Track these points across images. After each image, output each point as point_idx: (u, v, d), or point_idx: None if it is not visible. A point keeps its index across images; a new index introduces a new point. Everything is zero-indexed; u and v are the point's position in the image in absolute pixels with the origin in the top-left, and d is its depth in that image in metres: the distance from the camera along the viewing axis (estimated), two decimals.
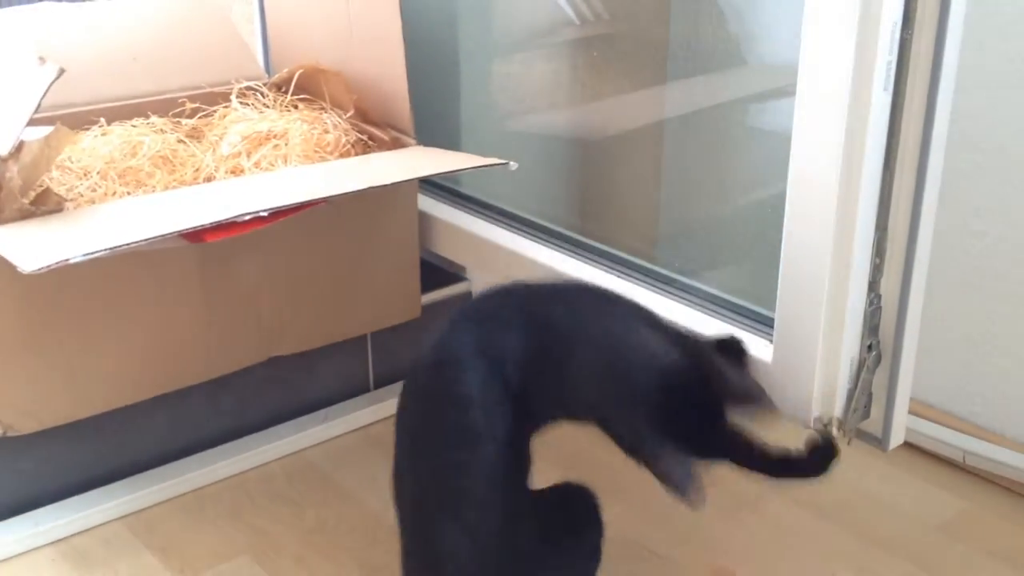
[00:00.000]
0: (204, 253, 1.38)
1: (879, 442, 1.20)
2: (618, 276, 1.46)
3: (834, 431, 1.19)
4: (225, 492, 1.51)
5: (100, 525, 1.44)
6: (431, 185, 1.70)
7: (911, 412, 1.63)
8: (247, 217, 1.19)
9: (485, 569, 1.10)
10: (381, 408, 1.66)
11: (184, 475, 1.51)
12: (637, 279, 1.45)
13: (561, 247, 1.55)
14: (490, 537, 1.10)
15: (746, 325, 1.31)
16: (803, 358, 1.19)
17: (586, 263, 1.50)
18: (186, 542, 1.41)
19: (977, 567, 1.40)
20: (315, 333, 1.53)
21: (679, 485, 1.08)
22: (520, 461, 1.15)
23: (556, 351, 1.15)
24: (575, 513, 1.17)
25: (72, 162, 1.41)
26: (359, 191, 1.28)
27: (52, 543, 1.41)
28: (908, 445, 1.61)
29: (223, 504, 1.49)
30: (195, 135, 1.53)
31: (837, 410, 1.19)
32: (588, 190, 1.79)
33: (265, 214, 1.19)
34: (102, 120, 1.49)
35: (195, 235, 1.18)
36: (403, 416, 1.19)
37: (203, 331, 1.42)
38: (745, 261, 1.45)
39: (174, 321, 1.40)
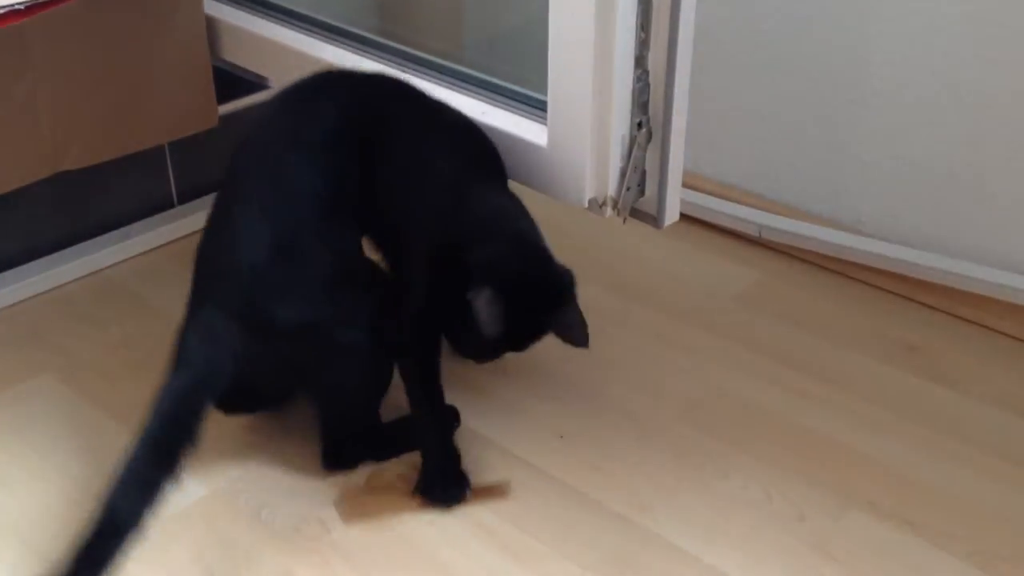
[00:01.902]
0: None
1: (655, 220, 1.22)
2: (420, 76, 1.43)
3: (608, 210, 1.20)
4: (20, 314, 1.48)
5: None
6: None
7: (710, 193, 1.67)
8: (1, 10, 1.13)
9: (274, 271, 1.12)
10: (185, 224, 1.62)
11: None
12: (439, 79, 1.42)
13: (365, 51, 1.50)
14: (290, 243, 1.13)
15: (527, 113, 1.30)
16: (575, 139, 1.19)
17: (392, 65, 1.45)
18: None
19: (770, 331, 1.46)
20: (104, 145, 1.47)
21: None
22: (342, 215, 1.18)
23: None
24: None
25: None
26: None
27: None
28: (707, 224, 1.66)
29: (19, 326, 1.46)
30: None
31: (611, 189, 1.20)
32: None
33: (21, 7, 1.14)
34: None
35: None
36: (250, 137, 1.22)
37: None
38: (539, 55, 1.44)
39: None
